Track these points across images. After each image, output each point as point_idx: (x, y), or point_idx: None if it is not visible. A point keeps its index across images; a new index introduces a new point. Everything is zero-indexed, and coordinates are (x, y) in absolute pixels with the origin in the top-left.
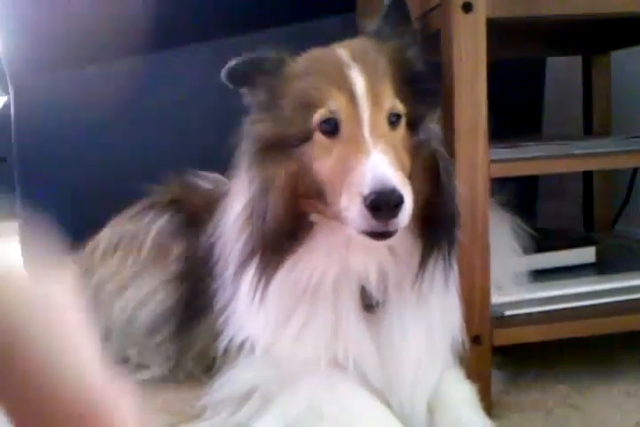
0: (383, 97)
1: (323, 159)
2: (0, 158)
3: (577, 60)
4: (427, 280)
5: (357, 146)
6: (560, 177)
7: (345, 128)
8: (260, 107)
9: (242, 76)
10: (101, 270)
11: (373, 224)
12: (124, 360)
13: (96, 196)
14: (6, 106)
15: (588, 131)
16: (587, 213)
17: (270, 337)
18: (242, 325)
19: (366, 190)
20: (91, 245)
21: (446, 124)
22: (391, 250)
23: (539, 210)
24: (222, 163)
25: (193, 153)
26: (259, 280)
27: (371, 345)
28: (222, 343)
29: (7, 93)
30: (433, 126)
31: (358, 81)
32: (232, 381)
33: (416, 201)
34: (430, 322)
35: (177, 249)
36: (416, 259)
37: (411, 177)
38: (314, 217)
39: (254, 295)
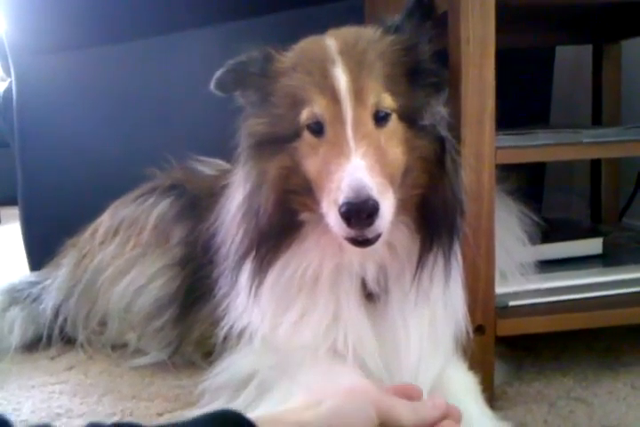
0: (368, 94)
1: (311, 157)
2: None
3: (586, 50)
4: (427, 272)
5: (340, 148)
6: (567, 169)
7: (329, 129)
8: (252, 105)
9: (231, 84)
10: (101, 254)
11: (349, 232)
12: (123, 345)
13: (97, 180)
14: (7, 90)
15: (597, 121)
16: (594, 206)
17: (269, 326)
18: (242, 313)
19: (340, 199)
20: (91, 228)
21: (452, 109)
22: (389, 245)
23: (545, 202)
24: (227, 148)
25: (198, 136)
26: (254, 277)
27: (371, 334)
28: (222, 330)
29: (9, 76)
30: (440, 110)
31: (342, 79)
32: (231, 367)
33: (413, 196)
34: (432, 313)
35: (178, 233)
36: (415, 252)
37: (407, 171)
38: (304, 216)
39: (250, 291)
